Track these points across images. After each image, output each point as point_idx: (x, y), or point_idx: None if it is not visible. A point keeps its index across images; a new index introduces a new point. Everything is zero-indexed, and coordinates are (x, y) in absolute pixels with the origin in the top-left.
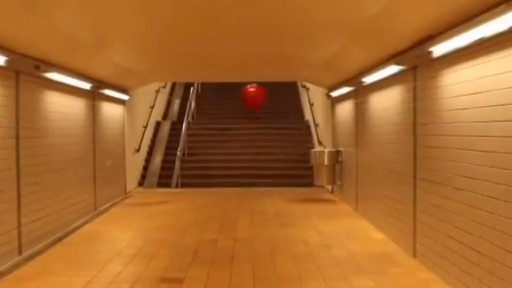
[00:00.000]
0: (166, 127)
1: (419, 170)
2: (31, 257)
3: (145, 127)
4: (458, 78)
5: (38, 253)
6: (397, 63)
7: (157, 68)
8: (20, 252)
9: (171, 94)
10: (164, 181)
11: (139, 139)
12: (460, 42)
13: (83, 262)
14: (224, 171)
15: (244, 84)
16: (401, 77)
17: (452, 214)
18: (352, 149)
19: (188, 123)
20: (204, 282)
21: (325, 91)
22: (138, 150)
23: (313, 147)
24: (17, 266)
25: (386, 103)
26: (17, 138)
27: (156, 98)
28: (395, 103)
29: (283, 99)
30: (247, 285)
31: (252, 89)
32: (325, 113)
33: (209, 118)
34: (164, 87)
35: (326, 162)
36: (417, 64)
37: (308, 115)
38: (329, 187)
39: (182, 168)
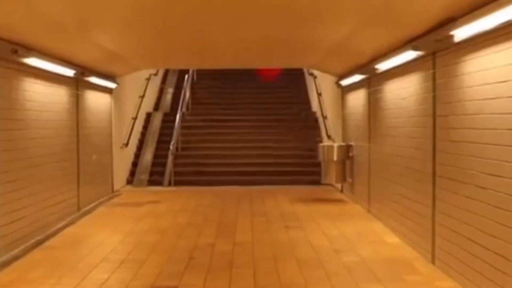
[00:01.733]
0: (157, 118)
1: (439, 167)
2: (7, 263)
3: (135, 118)
4: (482, 64)
5: (15, 258)
6: (415, 48)
7: (148, 53)
8: None
9: (163, 82)
10: (155, 178)
11: (128, 132)
12: (485, 25)
13: (65, 268)
14: (222, 167)
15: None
16: (418, 64)
17: (475, 215)
18: (364, 143)
19: (182, 114)
20: None
21: (335, 79)
22: (126, 144)
23: (321, 141)
24: None
25: (402, 93)
26: None
27: (146, 86)
28: (412, 92)
29: (287, 88)
30: None
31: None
32: (335, 103)
33: (205, 109)
34: (156, 74)
35: (335, 158)
36: (437, 49)
37: (315, 106)
38: (339, 186)
39: (175, 165)
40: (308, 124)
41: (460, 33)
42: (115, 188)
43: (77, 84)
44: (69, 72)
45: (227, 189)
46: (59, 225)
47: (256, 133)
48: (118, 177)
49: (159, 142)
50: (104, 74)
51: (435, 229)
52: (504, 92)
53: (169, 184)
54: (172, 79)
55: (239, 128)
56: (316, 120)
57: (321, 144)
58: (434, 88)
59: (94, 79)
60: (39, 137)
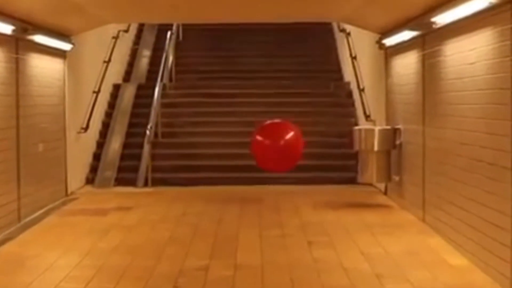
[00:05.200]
0: (129, 93)
1: None
2: None
3: (97, 92)
4: None
5: None
6: None
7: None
8: None
9: (137, 42)
10: (126, 176)
11: (88, 112)
12: None
13: None
14: (219, 160)
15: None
16: (493, 16)
17: None
18: (417, 126)
19: (164, 86)
20: None
21: (375, 37)
22: (86, 129)
23: (356, 124)
24: None
25: (470, 56)
26: None
27: (113, 48)
28: (484, 56)
29: (310, 50)
30: None
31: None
32: (375, 71)
33: (195, 80)
34: (127, 31)
35: (376, 147)
36: None
37: (349, 75)
38: (382, 186)
39: (153, 157)
40: (339, 100)
41: None
42: (69, 190)
43: (17, 45)
44: (5, 29)
45: (226, 190)
46: None
47: (266, 113)
48: (74, 174)
49: (131, 125)
50: (55, 30)
51: None
52: None
53: (145, 184)
54: (149, 38)
55: (243, 105)
56: (350, 94)
57: (356, 128)
58: None
59: (40, 38)
60: None
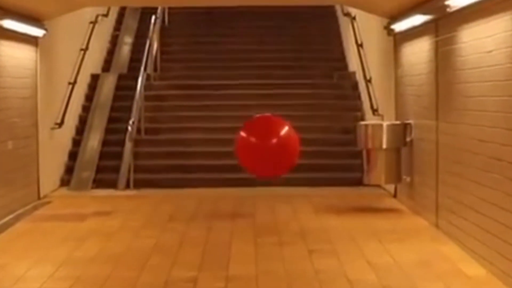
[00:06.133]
0: (109, 84)
1: None
2: None
3: (73, 84)
4: None
5: None
6: None
7: None
8: None
9: (117, 28)
10: (105, 177)
11: (63, 106)
12: None
13: None
14: (209, 159)
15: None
16: None
17: None
18: (429, 121)
19: (147, 77)
20: None
21: (384, 22)
22: (60, 125)
23: (363, 118)
24: None
25: (488, 44)
26: None
27: (91, 34)
28: (503, 43)
29: (311, 36)
30: None
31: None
32: (383, 60)
33: (182, 69)
34: (106, 15)
35: (385, 145)
36: None
37: (354, 64)
38: (391, 187)
39: (136, 156)
40: (343, 93)
41: None
42: (42, 193)
43: None
44: None
45: (218, 193)
46: None
47: (262, 106)
48: (48, 175)
49: (111, 120)
50: (26, 15)
51: None
52: None
53: (127, 186)
54: (131, 23)
55: (236, 98)
56: (355, 86)
57: (362, 124)
58: None
59: (9, 23)
60: None
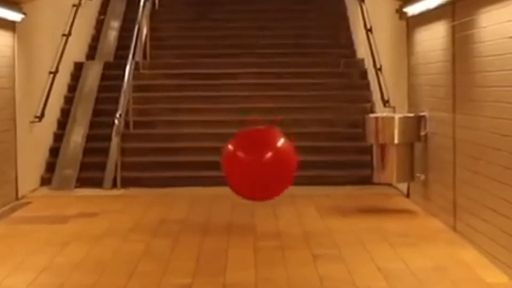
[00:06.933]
0: (93, 73)
1: None
2: None
3: (54, 73)
4: None
5: None
6: None
7: None
8: None
9: (103, 11)
10: (90, 175)
11: (43, 97)
12: None
13: None
14: (204, 156)
15: None
16: None
17: None
18: (446, 114)
19: (136, 65)
20: None
21: (395, 5)
22: (40, 118)
23: (372, 111)
24: None
25: (511, 28)
26: None
27: (74, 18)
28: None
29: (316, 20)
30: None
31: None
32: (395, 46)
33: (175, 57)
34: None
35: (396, 139)
36: None
37: (363, 51)
38: (403, 186)
39: (124, 152)
40: (351, 82)
41: None
42: (21, 193)
43: None
44: None
45: (213, 193)
46: None
47: (261, 97)
48: (27, 173)
49: (96, 113)
50: None
51: None
52: None
53: (114, 185)
54: (118, 6)
55: (233, 89)
56: (364, 75)
57: (372, 116)
58: None
59: None
60: None
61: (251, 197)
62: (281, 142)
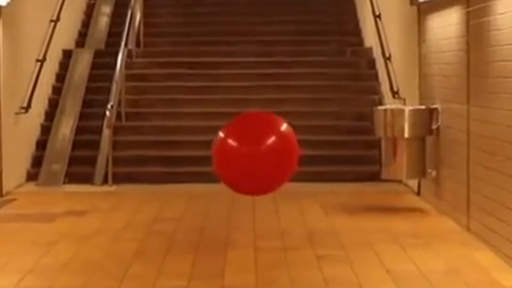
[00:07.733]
0: (83, 61)
1: None
2: None
3: (42, 61)
4: None
5: None
6: None
7: None
8: None
9: None
10: (79, 170)
11: (30, 87)
12: None
13: None
14: (202, 150)
15: None
16: None
17: None
18: (459, 106)
19: (129, 53)
20: None
21: None
22: (27, 109)
23: (381, 102)
24: None
25: None
26: None
27: (63, 3)
28: None
29: (321, 5)
30: None
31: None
32: (405, 34)
33: (170, 44)
34: None
35: (407, 133)
36: None
37: (371, 39)
38: (414, 183)
39: (116, 145)
40: (358, 72)
41: None
42: (5, 189)
43: None
44: None
45: (211, 189)
46: None
47: (261, 87)
48: (12, 168)
49: (86, 104)
50: None
51: None
52: None
53: (105, 181)
54: None
55: (232, 79)
56: (373, 64)
57: (381, 108)
58: None
59: None
60: None
61: (247, 191)
62: (282, 127)
